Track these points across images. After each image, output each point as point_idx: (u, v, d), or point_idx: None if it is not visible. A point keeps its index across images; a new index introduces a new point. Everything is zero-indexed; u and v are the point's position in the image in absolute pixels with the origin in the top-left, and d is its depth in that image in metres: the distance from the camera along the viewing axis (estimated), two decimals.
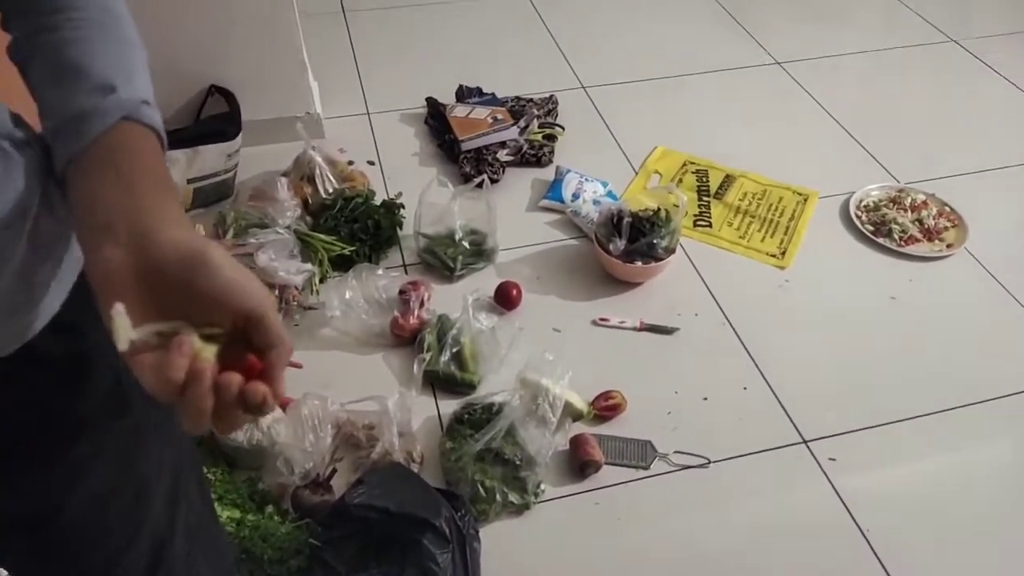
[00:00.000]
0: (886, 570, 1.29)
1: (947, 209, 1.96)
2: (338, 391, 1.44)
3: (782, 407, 1.53)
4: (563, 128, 2.14)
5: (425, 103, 2.19)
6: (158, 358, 0.41)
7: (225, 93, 1.94)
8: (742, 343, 1.64)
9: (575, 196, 1.89)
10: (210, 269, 0.43)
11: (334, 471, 1.32)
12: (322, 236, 1.70)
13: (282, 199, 1.74)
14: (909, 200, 1.96)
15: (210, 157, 1.81)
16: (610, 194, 1.93)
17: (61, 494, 0.57)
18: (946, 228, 1.91)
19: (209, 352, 0.43)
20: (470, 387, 1.52)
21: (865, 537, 1.33)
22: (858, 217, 1.93)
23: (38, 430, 0.54)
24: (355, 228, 1.75)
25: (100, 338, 0.47)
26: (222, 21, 1.85)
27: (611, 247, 1.69)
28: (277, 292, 1.58)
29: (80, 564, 0.61)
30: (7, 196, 0.45)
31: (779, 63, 2.47)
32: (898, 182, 2.04)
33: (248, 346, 0.44)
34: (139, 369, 0.41)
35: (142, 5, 1.79)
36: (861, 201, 1.97)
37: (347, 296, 1.60)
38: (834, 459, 1.44)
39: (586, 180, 1.93)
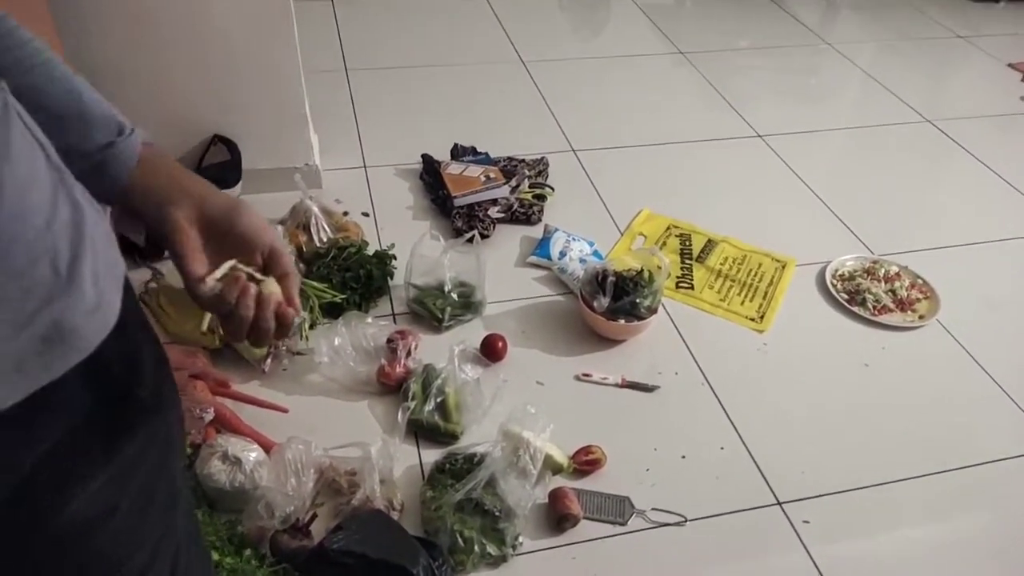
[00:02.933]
0: None
1: (919, 281, 2.03)
2: (323, 436, 1.46)
3: (758, 468, 1.56)
4: (553, 188, 2.22)
5: (420, 159, 2.27)
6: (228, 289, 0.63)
7: (227, 142, 2.01)
8: (720, 403, 1.68)
9: (562, 254, 1.95)
10: (246, 215, 0.65)
11: (314, 516, 1.33)
12: (314, 283, 1.74)
13: None
14: (883, 271, 2.03)
15: None
16: (596, 253, 1.99)
17: (117, 493, 0.58)
18: (918, 300, 1.98)
19: (272, 286, 0.65)
20: (453, 437, 1.54)
21: None
22: (834, 286, 2.00)
23: (104, 429, 0.56)
24: (347, 277, 1.80)
25: (143, 335, 0.61)
26: (229, 74, 1.93)
27: (595, 304, 1.74)
28: None
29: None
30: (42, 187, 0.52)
31: (760, 136, 2.58)
32: (872, 253, 2.12)
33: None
34: (213, 301, 0.63)
35: (152, 55, 1.88)
36: (837, 270, 2.05)
37: (336, 343, 1.64)
38: (808, 521, 1.46)
39: (573, 239, 2.00)
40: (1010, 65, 3.16)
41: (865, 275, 2.03)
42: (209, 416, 1.41)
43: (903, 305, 1.96)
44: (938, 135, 2.68)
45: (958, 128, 2.71)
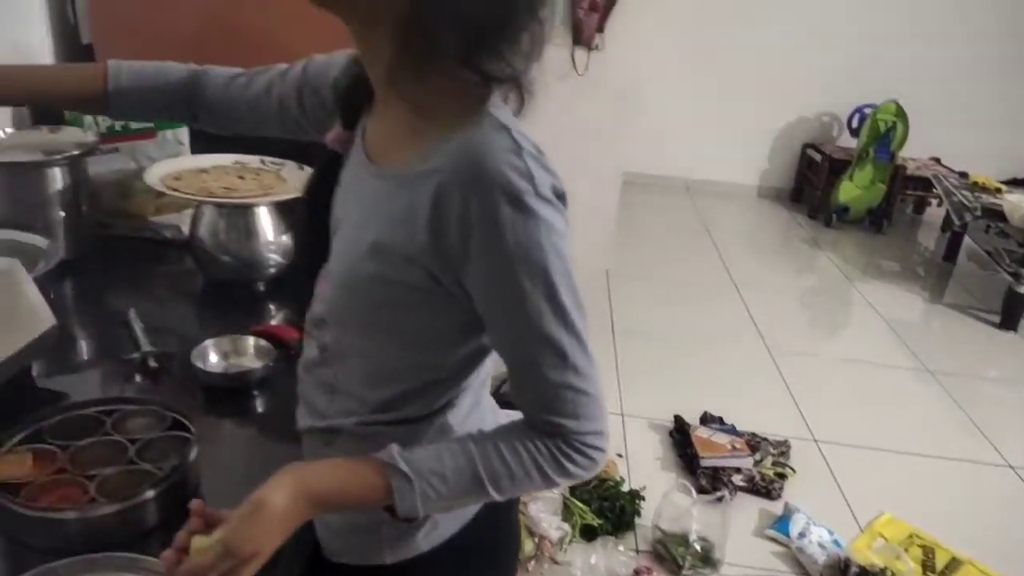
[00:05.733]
0: None
1: None
2: None
3: None
4: (794, 470, 2.38)
5: (673, 419, 2.58)
6: None
7: None
8: None
9: (801, 535, 2.07)
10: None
11: None
12: (579, 503, 2.03)
13: None
14: None
15: None
16: (836, 542, 2.08)
17: None
18: None
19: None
20: None
21: None
22: None
23: None
24: (604, 505, 2.07)
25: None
26: None
27: None
28: (537, 540, 1.90)
29: None
30: None
31: (1013, 468, 2.57)
32: None
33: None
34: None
35: None
36: None
37: (592, 561, 1.88)
38: None
39: (813, 524, 2.12)
40: None
41: None
42: None
43: None
44: None
45: None
